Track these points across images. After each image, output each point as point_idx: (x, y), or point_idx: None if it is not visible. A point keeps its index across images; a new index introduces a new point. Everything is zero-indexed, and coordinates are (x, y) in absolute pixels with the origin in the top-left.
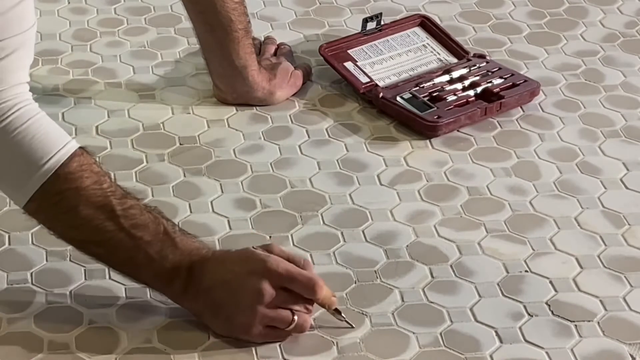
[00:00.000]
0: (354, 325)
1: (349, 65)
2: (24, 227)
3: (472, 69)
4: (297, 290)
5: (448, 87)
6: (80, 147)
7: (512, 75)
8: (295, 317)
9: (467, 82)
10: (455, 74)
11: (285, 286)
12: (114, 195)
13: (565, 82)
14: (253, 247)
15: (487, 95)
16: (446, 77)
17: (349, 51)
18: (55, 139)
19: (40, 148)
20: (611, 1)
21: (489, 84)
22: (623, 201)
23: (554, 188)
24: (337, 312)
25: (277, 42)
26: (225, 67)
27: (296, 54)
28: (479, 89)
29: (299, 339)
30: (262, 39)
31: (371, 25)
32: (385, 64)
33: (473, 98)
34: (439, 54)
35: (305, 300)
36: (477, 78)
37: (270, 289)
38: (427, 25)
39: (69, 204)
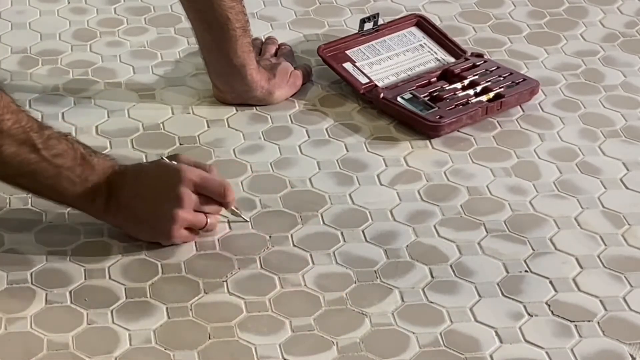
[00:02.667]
0: (247, 219)
1: (347, 66)
2: (24, 227)
3: (470, 68)
4: (209, 195)
5: (448, 87)
6: (0, 90)
7: (511, 74)
8: (209, 219)
9: (466, 82)
10: (454, 74)
11: (199, 192)
12: (32, 130)
13: (565, 82)
14: (162, 158)
15: (483, 93)
16: (445, 77)
17: (347, 52)
18: None
19: None
20: (611, 1)
21: (488, 83)
22: (623, 201)
23: (554, 188)
24: (235, 211)
25: (278, 43)
26: (224, 66)
27: (296, 54)
28: (478, 88)
29: (299, 338)
30: (264, 39)
31: (368, 25)
32: (383, 64)
33: (473, 97)
34: (436, 53)
35: (214, 202)
36: (476, 77)
37: (188, 194)
38: (424, 24)
39: None
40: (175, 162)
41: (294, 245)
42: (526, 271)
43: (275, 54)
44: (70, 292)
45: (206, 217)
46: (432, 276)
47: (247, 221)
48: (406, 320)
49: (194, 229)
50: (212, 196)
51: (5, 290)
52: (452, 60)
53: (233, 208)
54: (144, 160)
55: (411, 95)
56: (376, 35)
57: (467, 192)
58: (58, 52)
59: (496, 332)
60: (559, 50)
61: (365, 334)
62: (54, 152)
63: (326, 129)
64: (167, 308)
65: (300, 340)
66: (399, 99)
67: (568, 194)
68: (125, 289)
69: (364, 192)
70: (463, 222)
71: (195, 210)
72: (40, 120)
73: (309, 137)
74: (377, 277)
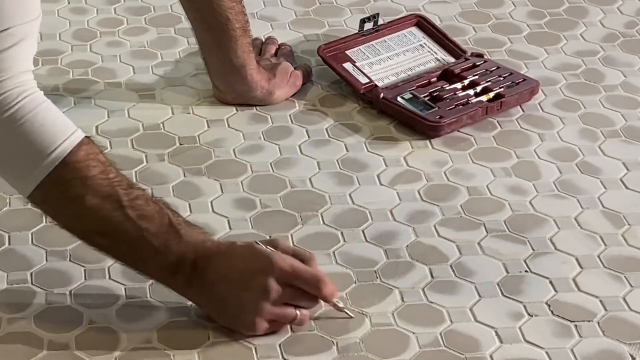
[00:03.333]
0: (353, 316)
1: (347, 66)
2: (24, 227)
3: (470, 68)
4: (301, 287)
5: (448, 87)
6: (86, 136)
7: (511, 74)
8: (298, 313)
9: (466, 82)
10: (454, 74)
11: (290, 283)
12: (120, 186)
13: (565, 82)
14: (257, 242)
15: (483, 93)
16: (445, 77)
17: (347, 52)
18: (62, 128)
19: (48, 136)
20: (611, 1)
21: (488, 83)
22: (623, 201)
23: (554, 188)
24: (337, 305)
25: (279, 43)
26: (223, 66)
27: (296, 54)
28: (478, 88)
29: (299, 338)
30: (264, 39)
31: (368, 25)
32: (383, 64)
33: (473, 97)
34: (436, 53)
35: (307, 295)
36: (476, 77)
37: (276, 286)
38: (424, 25)
39: (76, 193)
40: (270, 247)
41: (294, 245)
42: (526, 271)
43: (276, 54)
44: (70, 292)
45: (296, 310)
46: (432, 276)
47: (352, 317)
48: (406, 320)
49: (280, 322)
50: (305, 288)
51: (5, 290)
52: (452, 60)
53: (334, 302)
54: (144, 161)
55: (411, 95)
56: (376, 35)
57: (467, 192)
58: (58, 52)
59: (496, 332)
60: (559, 50)
61: (365, 334)
62: (140, 213)
63: (326, 129)
64: (167, 308)
65: (300, 340)
66: (399, 99)
67: (568, 194)
68: (125, 289)
69: (364, 192)
70: (463, 222)
71: (285, 303)
72: (131, 180)
73: (309, 137)
74: (377, 277)
